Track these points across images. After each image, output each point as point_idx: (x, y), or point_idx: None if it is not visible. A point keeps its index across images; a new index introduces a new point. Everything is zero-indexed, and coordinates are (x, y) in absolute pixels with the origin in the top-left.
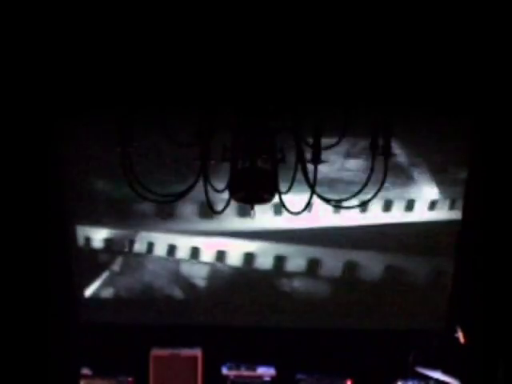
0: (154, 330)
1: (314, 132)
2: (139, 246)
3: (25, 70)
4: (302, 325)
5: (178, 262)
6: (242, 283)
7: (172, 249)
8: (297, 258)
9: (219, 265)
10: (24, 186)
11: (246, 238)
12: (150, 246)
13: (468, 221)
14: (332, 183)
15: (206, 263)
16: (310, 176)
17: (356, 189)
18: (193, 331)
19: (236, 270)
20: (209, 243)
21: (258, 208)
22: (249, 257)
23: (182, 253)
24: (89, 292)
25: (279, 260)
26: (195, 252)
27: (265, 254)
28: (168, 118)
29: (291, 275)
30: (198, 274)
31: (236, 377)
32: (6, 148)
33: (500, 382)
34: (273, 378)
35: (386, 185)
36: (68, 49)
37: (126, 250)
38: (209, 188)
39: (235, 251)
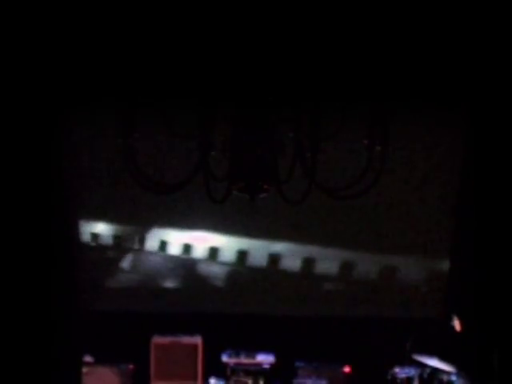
0: (154, 318)
1: (312, 123)
2: (142, 240)
3: (29, 63)
4: (301, 313)
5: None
6: (242, 272)
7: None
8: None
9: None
10: (27, 177)
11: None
12: (163, 244)
13: (464, 212)
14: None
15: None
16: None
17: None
18: (193, 319)
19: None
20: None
21: None
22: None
23: (175, 249)
24: (91, 281)
25: (272, 258)
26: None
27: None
28: (169, 109)
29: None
30: (200, 266)
31: (236, 364)
32: (10, 142)
33: (495, 369)
34: (272, 365)
35: None
36: (71, 41)
37: (128, 242)
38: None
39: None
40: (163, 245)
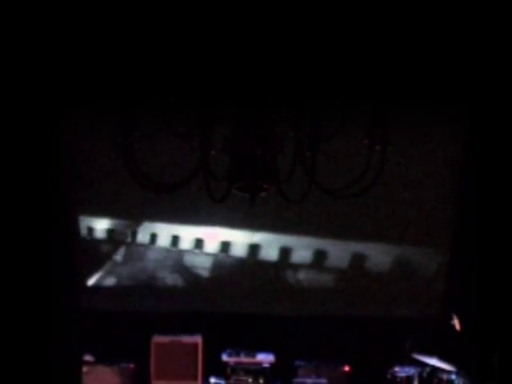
0: (154, 317)
1: (312, 123)
2: (142, 236)
3: (29, 63)
4: (301, 312)
5: (180, 251)
6: (243, 272)
7: (175, 239)
8: (302, 250)
9: (222, 255)
10: (27, 177)
11: (250, 229)
12: (153, 236)
13: (464, 212)
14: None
15: (208, 254)
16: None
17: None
18: (193, 318)
19: (239, 260)
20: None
21: None
22: (253, 248)
23: (186, 243)
24: (91, 280)
25: (284, 251)
26: (199, 243)
27: (269, 246)
28: (169, 108)
29: (295, 266)
30: (200, 263)
31: (236, 363)
32: (10, 142)
33: (495, 368)
34: (272, 364)
35: None
36: (71, 41)
37: (128, 239)
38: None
39: (239, 242)
40: (153, 237)
